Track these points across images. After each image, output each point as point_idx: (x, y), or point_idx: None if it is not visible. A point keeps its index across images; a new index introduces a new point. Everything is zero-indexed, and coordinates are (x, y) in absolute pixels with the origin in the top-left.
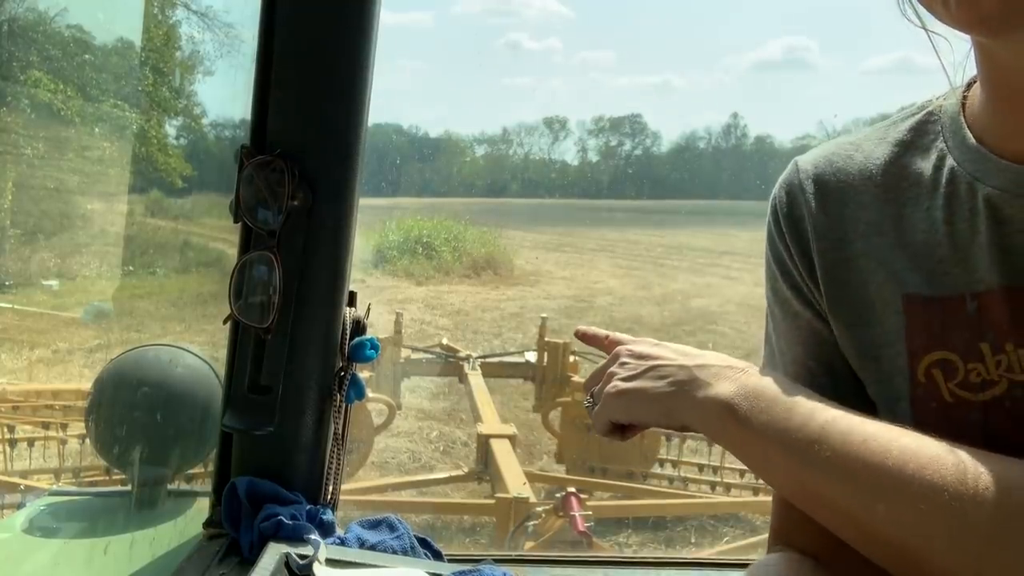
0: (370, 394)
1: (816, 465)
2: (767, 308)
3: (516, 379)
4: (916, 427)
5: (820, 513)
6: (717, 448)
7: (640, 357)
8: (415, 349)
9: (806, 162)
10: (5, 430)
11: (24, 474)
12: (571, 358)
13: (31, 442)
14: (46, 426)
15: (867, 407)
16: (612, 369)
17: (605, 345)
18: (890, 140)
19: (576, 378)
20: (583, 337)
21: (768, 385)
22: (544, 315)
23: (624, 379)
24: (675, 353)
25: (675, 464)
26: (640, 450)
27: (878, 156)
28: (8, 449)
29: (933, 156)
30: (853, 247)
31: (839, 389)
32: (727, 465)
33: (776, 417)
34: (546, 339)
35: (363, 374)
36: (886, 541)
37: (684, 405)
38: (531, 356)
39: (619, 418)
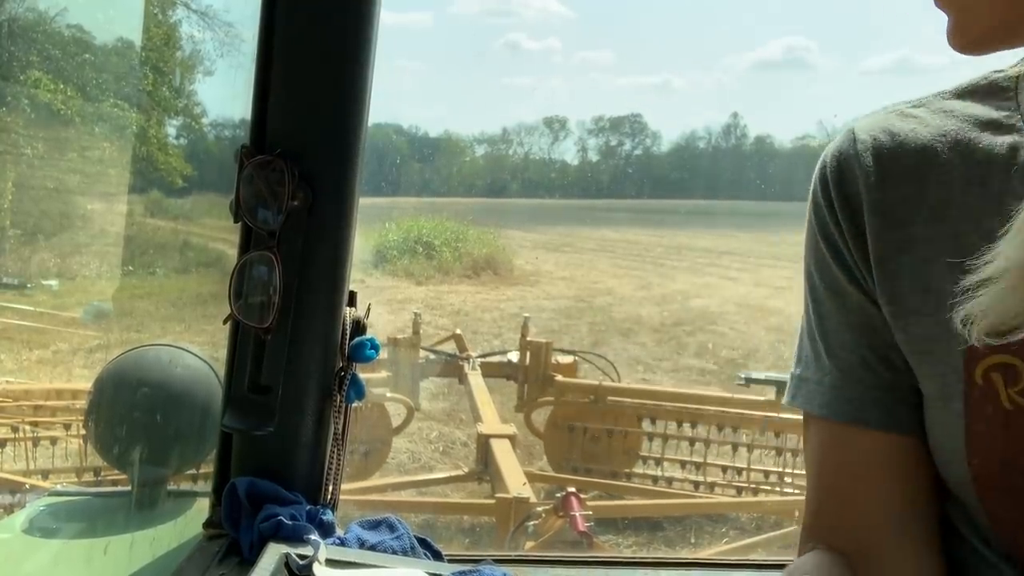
0: (388, 394)
1: None
2: (806, 283)
3: (499, 379)
4: (969, 429)
5: None
6: (699, 445)
7: None
8: (424, 348)
9: (864, 131)
10: (28, 429)
11: (45, 473)
12: (571, 358)
13: (54, 440)
14: (67, 426)
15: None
16: None
17: None
18: (958, 114)
19: (559, 378)
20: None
21: None
22: (527, 315)
23: None
24: None
25: (658, 461)
26: (623, 448)
27: (945, 131)
28: (32, 447)
29: (1007, 133)
30: (912, 230)
31: (897, 382)
32: (710, 462)
33: None
34: (528, 339)
35: (380, 375)
36: None
37: None
38: (514, 356)
39: None
